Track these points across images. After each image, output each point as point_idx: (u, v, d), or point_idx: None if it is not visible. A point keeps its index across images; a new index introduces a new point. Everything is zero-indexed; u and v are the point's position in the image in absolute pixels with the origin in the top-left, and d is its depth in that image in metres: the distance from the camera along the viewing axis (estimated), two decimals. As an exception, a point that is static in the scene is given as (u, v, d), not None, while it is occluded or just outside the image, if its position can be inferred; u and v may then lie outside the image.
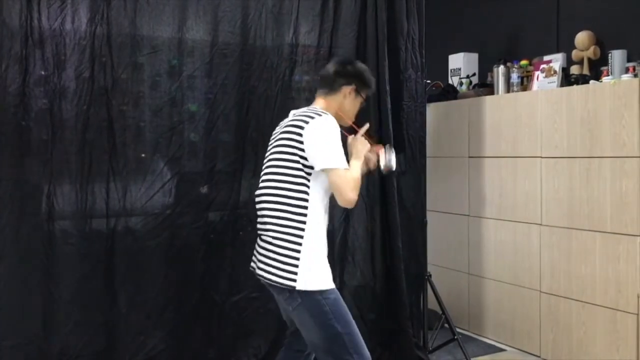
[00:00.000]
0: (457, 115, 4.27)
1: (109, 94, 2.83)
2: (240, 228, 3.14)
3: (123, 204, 2.88)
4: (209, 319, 3.07)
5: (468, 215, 4.21)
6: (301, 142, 2.25)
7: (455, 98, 4.38)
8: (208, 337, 3.08)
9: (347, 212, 3.43)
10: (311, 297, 2.22)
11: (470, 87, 4.44)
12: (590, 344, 3.39)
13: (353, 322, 2.28)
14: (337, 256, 3.40)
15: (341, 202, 2.26)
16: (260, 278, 2.36)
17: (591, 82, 3.48)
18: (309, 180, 2.26)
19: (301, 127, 2.27)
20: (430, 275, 3.69)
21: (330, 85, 2.45)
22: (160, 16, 2.94)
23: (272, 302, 3.21)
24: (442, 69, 4.71)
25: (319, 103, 2.45)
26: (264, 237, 2.35)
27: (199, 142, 3.06)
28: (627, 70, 3.38)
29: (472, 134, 4.14)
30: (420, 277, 3.66)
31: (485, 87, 4.27)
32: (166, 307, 2.98)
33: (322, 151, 2.23)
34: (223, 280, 3.08)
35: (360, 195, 3.43)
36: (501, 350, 3.89)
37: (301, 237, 2.24)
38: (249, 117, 3.14)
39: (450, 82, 4.62)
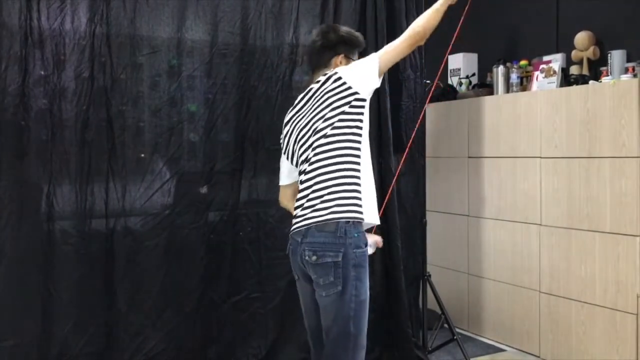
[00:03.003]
0: (457, 116, 4.27)
1: (109, 94, 2.83)
2: (240, 228, 3.14)
3: (122, 204, 2.88)
4: (208, 320, 3.07)
5: (467, 216, 4.21)
6: (343, 83, 2.20)
7: (455, 98, 4.38)
8: (207, 338, 3.08)
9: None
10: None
11: (470, 87, 4.44)
12: (590, 344, 3.39)
13: None
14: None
15: (416, 41, 2.30)
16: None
17: (590, 82, 3.48)
18: (360, 135, 2.21)
19: (332, 76, 2.23)
20: (429, 275, 3.69)
21: (320, 61, 2.39)
22: (160, 16, 2.94)
23: (271, 302, 3.23)
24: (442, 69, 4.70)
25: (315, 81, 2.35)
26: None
27: (198, 142, 3.06)
28: (626, 71, 3.38)
29: (472, 134, 4.15)
30: (419, 277, 3.66)
31: (484, 87, 4.28)
32: (165, 308, 2.98)
33: (361, 70, 2.23)
34: (222, 280, 3.08)
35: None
36: (500, 350, 3.89)
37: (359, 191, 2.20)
38: (248, 117, 3.14)
39: (449, 82, 4.62)
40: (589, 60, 3.76)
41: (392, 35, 3.47)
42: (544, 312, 3.66)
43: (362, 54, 2.47)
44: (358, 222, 2.19)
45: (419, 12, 3.57)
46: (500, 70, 4.04)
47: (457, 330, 3.78)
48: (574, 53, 3.83)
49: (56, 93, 2.73)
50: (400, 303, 3.45)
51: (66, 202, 2.77)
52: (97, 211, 2.83)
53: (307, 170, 2.25)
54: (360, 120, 2.22)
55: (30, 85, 2.68)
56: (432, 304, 3.75)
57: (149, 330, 2.94)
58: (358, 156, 2.22)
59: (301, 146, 2.30)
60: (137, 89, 2.92)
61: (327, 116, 2.22)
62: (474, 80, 4.49)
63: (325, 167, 2.20)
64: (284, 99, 3.17)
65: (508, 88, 4.00)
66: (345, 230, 2.15)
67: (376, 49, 3.40)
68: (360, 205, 2.19)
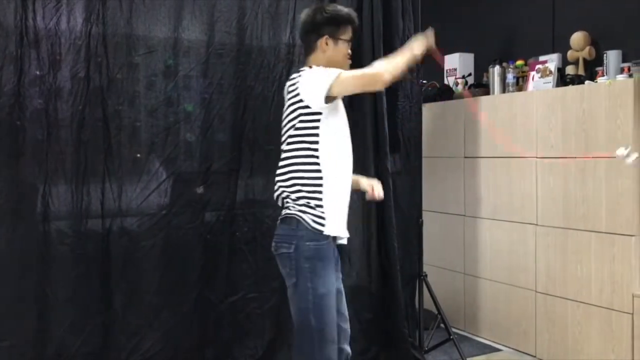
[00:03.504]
0: (453, 116, 4.27)
1: (105, 94, 2.82)
2: (237, 228, 3.13)
3: (118, 204, 2.87)
4: (205, 320, 3.07)
5: (464, 216, 4.22)
6: (297, 94, 2.24)
7: (451, 98, 4.38)
8: (204, 338, 3.08)
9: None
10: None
11: (466, 87, 4.44)
12: (586, 343, 3.40)
13: None
14: (333, 256, 3.41)
15: (374, 87, 2.25)
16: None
17: (586, 82, 3.49)
18: (318, 135, 2.23)
19: (295, 85, 2.27)
20: (426, 275, 3.70)
21: (309, 47, 2.39)
22: (156, 16, 2.93)
23: (268, 302, 3.23)
24: (438, 69, 4.71)
25: (308, 64, 2.39)
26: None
27: (194, 142, 3.05)
28: (622, 71, 3.39)
29: (468, 134, 4.15)
30: (416, 277, 3.67)
31: (480, 87, 4.28)
32: (162, 308, 2.97)
33: (315, 86, 2.20)
34: (219, 280, 3.08)
35: (356, 195, 3.47)
36: (497, 350, 3.90)
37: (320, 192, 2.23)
38: (245, 117, 3.14)
39: (445, 82, 4.62)
40: (584, 60, 3.77)
41: (389, 35, 3.49)
42: (540, 311, 3.67)
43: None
44: (317, 228, 2.23)
45: (414, 12, 3.59)
46: (496, 70, 4.05)
47: (454, 330, 3.79)
48: (569, 53, 3.84)
49: (52, 93, 2.72)
50: (396, 303, 3.45)
51: (62, 202, 2.76)
52: (93, 211, 2.82)
53: (282, 157, 2.33)
54: (316, 135, 2.24)
55: (25, 85, 2.67)
56: (428, 304, 3.75)
57: (146, 330, 2.93)
58: (318, 164, 2.24)
59: (282, 125, 2.37)
60: (133, 88, 2.91)
61: (290, 117, 2.30)
62: (470, 80, 4.50)
63: (294, 164, 2.27)
64: (281, 99, 3.13)
65: (504, 88, 4.01)
66: (298, 224, 2.22)
67: (372, 49, 3.43)
68: (320, 212, 2.23)
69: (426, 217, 3.84)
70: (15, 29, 2.64)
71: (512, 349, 3.87)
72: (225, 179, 3.09)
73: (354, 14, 2.42)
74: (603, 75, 3.50)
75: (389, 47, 3.48)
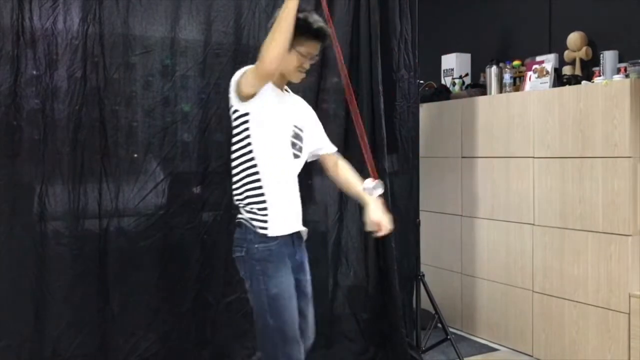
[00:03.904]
0: (450, 116, 4.28)
1: (101, 94, 2.82)
2: (234, 228, 3.12)
3: (115, 205, 2.86)
4: (202, 320, 3.06)
5: (461, 216, 4.22)
6: (230, 92, 2.23)
7: (448, 98, 4.39)
8: (202, 338, 3.07)
9: (340, 213, 3.43)
10: None
11: (463, 87, 4.45)
12: (583, 343, 3.41)
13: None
14: (331, 256, 3.41)
15: (262, 70, 2.07)
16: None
17: (583, 82, 3.50)
18: (249, 137, 2.21)
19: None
20: (423, 275, 3.70)
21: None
22: (153, 16, 2.93)
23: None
24: (435, 69, 4.72)
25: None
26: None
27: (192, 142, 3.04)
28: (618, 71, 3.40)
29: (465, 134, 4.16)
30: (413, 277, 3.66)
31: (477, 87, 4.29)
32: (159, 308, 2.97)
33: (232, 87, 2.19)
34: (217, 281, 3.07)
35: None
36: (494, 349, 3.90)
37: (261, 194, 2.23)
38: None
39: (443, 82, 4.63)
40: (581, 60, 3.78)
41: (385, 36, 3.49)
42: (537, 311, 3.68)
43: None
44: (262, 232, 2.23)
45: (411, 13, 3.59)
46: (493, 70, 4.05)
47: (451, 330, 3.79)
48: (566, 53, 3.84)
49: (48, 93, 2.71)
50: (394, 303, 3.45)
51: (59, 203, 2.75)
52: (90, 211, 2.81)
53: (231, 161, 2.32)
54: (247, 137, 2.22)
55: (22, 85, 2.66)
56: (425, 303, 3.75)
57: (143, 331, 2.93)
58: (255, 165, 2.22)
59: None
60: (130, 88, 2.91)
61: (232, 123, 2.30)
62: (467, 80, 4.50)
63: (238, 170, 2.27)
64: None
65: (501, 88, 4.01)
66: (247, 229, 2.24)
67: (370, 49, 3.43)
68: (262, 215, 2.23)
69: (423, 217, 3.84)
70: (12, 29, 2.63)
71: (509, 348, 3.87)
72: (222, 179, 3.08)
73: (325, 32, 2.24)
74: (600, 76, 3.51)
75: (386, 48, 3.50)
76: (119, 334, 2.88)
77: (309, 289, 2.39)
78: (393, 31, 3.51)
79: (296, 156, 2.31)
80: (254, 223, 2.24)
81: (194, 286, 3.03)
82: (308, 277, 2.39)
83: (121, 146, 2.89)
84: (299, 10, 2.12)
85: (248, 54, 3.14)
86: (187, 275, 3.03)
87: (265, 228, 2.23)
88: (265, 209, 2.23)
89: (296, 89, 3.31)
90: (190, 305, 3.03)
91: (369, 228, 2.35)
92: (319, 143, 2.46)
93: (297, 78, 2.30)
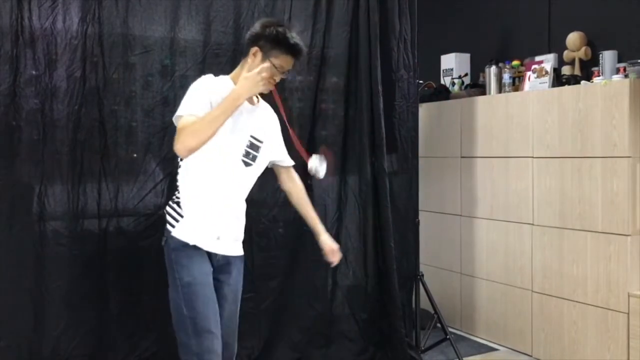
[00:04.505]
0: (449, 116, 4.28)
1: (101, 93, 2.82)
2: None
3: (115, 205, 2.86)
4: (201, 320, 3.06)
5: (460, 215, 4.22)
6: None
7: (447, 98, 4.39)
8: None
9: (340, 213, 3.43)
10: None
11: (462, 87, 4.45)
12: (582, 343, 3.41)
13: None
14: (330, 256, 3.41)
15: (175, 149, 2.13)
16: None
17: (582, 82, 3.50)
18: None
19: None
20: (422, 275, 3.70)
21: (244, 48, 2.33)
22: (152, 15, 2.93)
23: (264, 302, 3.22)
24: (435, 69, 4.72)
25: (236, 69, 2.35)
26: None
27: (191, 142, 3.04)
28: (617, 71, 3.40)
29: (464, 134, 4.16)
30: (412, 277, 3.67)
31: (477, 87, 4.29)
32: (158, 309, 2.96)
33: (182, 101, 2.20)
34: (216, 280, 3.07)
35: (353, 195, 3.47)
36: (493, 349, 3.90)
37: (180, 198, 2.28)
38: (241, 117, 3.13)
39: (442, 82, 4.63)
40: (580, 60, 3.78)
41: (385, 35, 3.49)
42: (536, 311, 3.68)
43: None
44: (170, 227, 2.27)
45: (411, 13, 3.59)
46: (492, 70, 4.06)
47: (450, 329, 3.79)
48: (565, 53, 3.84)
49: (48, 93, 2.71)
50: (393, 303, 3.45)
51: (58, 203, 2.75)
52: (90, 211, 2.82)
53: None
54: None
55: (21, 85, 2.66)
56: (425, 303, 3.75)
57: (142, 331, 2.93)
58: (184, 172, 2.27)
59: None
60: (129, 88, 2.91)
61: None
62: (467, 80, 4.51)
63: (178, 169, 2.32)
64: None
65: (500, 88, 4.01)
66: (167, 219, 2.28)
67: (369, 49, 3.43)
68: (177, 217, 2.26)
69: (423, 217, 3.84)
70: (11, 29, 2.63)
71: (509, 348, 3.88)
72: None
73: (300, 49, 2.26)
74: (599, 76, 3.51)
75: (386, 48, 3.50)
76: (118, 334, 2.88)
77: (230, 294, 2.36)
78: (392, 31, 3.51)
79: (247, 164, 2.32)
80: (171, 219, 2.27)
81: (193, 286, 3.03)
82: (232, 281, 2.36)
83: (120, 146, 2.89)
84: (279, 25, 2.24)
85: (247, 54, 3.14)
86: (186, 275, 3.02)
87: (174, 226, 2.25)
88: (182, 209, 2.26)
89: (295, 88, 3.34)
90: (190, 305, 3.02)
91: (328, 258, 2.52)
92: (277, 155, 2.48)
93: (266, 90, 2.28)
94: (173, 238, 2.24)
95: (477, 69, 4.44)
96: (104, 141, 2.83)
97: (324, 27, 3.35)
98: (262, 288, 3.19)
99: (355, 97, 3.45)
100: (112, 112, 2.86)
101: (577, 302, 3.43)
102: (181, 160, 2.28)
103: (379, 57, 3.43)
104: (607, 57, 3.53)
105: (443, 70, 4.66)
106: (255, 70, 2.14)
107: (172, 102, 2.99)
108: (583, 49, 3.75)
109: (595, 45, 3.74)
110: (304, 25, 3.28)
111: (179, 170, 2.31)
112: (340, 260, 3.44)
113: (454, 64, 4.56)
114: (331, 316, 3.43)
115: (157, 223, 2.94)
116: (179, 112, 2.17)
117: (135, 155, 2.93)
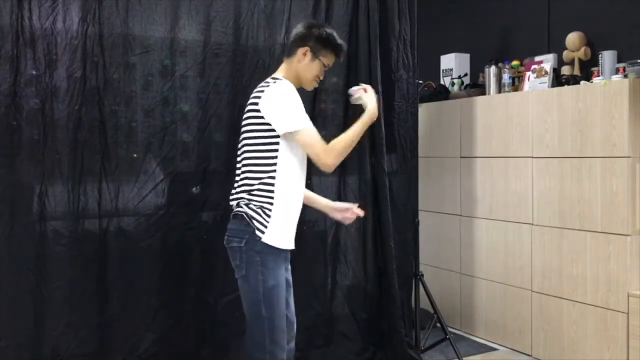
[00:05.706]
0: (449, 116, 4.28)
1: (101, 93, 2.82)
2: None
3: (115, 205, 2.86)
4: (201, 320, 3.07)
5: (460, 215, 4.23)
6: (259, 111, 2.27)
7: (447, 98, 4.39)
8: (201, 338, 3.08)
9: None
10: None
11: (462, 87, 4.46)
12: (581, 342, 3.41)
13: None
14: (330, 256, 3.41)
15: (320, 167, 2.28)
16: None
17: (582, 82, 3.51)
18: (277, 150, 2.28)
19: (258, 97, 2.29)
20: (422, 275, 3.70)
21: (289, 49, 2.42)
22: (153, 16, 2.93)
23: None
24: (434, 69, 4.72)
25: (280, 70, 2.44)
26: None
27: (191, 142, 3.05)
28: (617, 71, 3.41)
29: (464, 134, 4.16)
30: (412, 277, 3.67)
31: (476, 87, 4.29)
32: (159, 308, 2.97)
33: (281, 115, 2.24)
34: (216, 280, 3.07)
35: (353, 195, 3.47)
36: (493, 349, 3.91)
37: (271, 204, 2.29)
38: (241, 117, 3.13)
39: (442, 82, 4.64)
40: (580, 60, 3.78)
41: (384, 36, 3.49)
42: (535, 311, 3.68)
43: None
44: (259, 233, 2.29)
45: (410, 13, 3.60)
46: (492, 70, 4.06)
47: (450, 329, 3.79)
48: (565, 53, 3.85)
49: (48, 93, 2.72)
50: (393, 303, 3.46)
51: (58, 203, 2.75)
52: (90, 212, 2.82)
53: (239, 160, 2.41)
54: (275, 150, 2.29)
55: (21, 84, 2.66)
56: (424, 303, 3.76)
57: (142, 331, 2.93)
58: (273, 177, 2.30)
59: (242, 131, 2.40)
60: (129, 88, 2.91)
61: (250, 128, 2.33)
62: (466, 80, 4.51)
63: (250, 172, 2.34)
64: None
65: (500, 88, 4.02)
66: (250, 220, 2.29)
67: (369, 49, 3.43)
68: (265, 222, 2.29)
69: (422, 216, 3.85)
70: (11, 29, 2.63)
71: (508, 348, 3.88)
72: (222, 178, 3.08)
73: (344, 48, 2.46)
74: (598, 76, 3.51)
75: (385, 48, 3.50)
76: (119, 334, 2.88)
77: (290, 277, 2.49)
78: (392, 31, 3.52)
79: None
80: (257, 223, 2.29)
81: (193, 286, 3.04)
82: (289, 267, 2.48)
83: (121, 146, 2.89)
84: (323, 25, 2.43)
85: (247, 54, 3.15)
86: (186, 275, 3.03)
87: (263, 233, 2.29)
88: (271, 217, 2.30)
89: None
90: (190, 305, 3.03)
91: (342, 217, 2.62)
92: None
93: (311, 87, 2.46)
94: (260, 242, 2.27)
95: (476, 69, 4.45)
96: (104, 141, 2.84)
97: (324, 27, 3.35)
98: (262, 288, 3.19)
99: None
100: (112, 112, 2.86)
101: (576, 302, 3.43)
102: (270, 166, 2.30)
103: (379, 57, 3.44)
104: (607, 57, 3.54)
105: (443, 71, 4.66)
106: (373, 91, 2.44)
107: (172, 102, 3.00)
108: (582, 49, 3.76)
109: (594, 45, 3.74)
110: (303, 25, 3.28)
111: (259, 175, 2.31)
112: (340, 260, 3.49)
113: (453, 64, 4.57)
114: (331, 316, 3.43)
115: (157, 223, 2.95)
116: (296, 125, 2.24)
117: (135, 155, 2.93)
